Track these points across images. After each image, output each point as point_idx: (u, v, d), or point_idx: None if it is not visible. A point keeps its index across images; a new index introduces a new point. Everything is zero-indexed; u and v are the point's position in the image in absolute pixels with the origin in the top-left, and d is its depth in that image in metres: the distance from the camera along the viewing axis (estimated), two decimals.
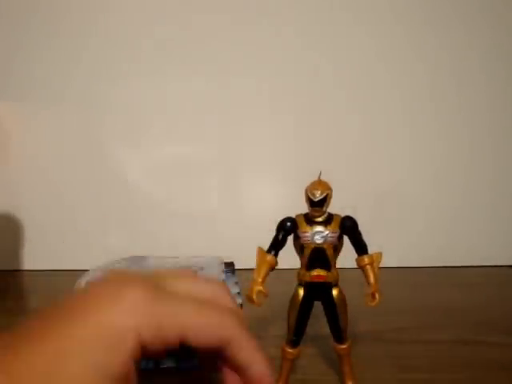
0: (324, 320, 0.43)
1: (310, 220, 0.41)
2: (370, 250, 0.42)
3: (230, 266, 0.69)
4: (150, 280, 0.24)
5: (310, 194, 0.41)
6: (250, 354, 0.24)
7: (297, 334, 0.43)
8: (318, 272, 0.42)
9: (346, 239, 0.42)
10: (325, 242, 0.41)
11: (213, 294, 0.26)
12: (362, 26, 0.82)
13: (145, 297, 0.22)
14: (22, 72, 0.81)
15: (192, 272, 0.29)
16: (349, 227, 0.41)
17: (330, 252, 0.41)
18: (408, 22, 0.82)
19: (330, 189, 0.41)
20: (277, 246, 0.42)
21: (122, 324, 0.21)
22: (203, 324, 0.23)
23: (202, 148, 0.84)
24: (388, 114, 0.84)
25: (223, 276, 0.61)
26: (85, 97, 0.82)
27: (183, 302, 0.24)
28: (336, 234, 0.41)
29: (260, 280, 0.41)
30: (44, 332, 0.21)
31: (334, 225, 0.41)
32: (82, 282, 0.56)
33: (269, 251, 0.42)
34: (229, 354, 0.24)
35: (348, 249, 0.42)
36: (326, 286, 0.42)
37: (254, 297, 0.40)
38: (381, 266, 0.41)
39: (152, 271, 0.26)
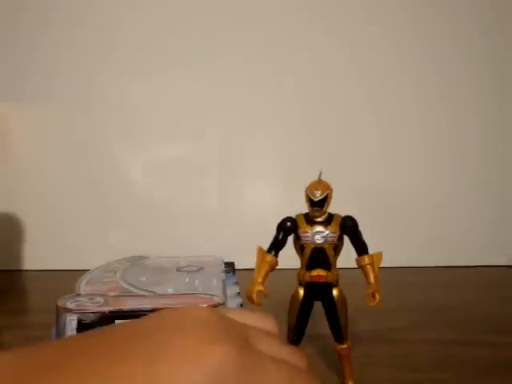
0: (324, 320, 0.43)
1: (310, 220, 0.41)
2: (370, 249, 0.42)
3: (229, 266, 0.69)
4: (239, 336, 0.20)
5: (310, 194, 0.41)
6: None
7: (297, 333, 0.43)
8: (318, 272, 0.41)
9: (346, 239, 0.42)
10: (325, 242, 0.41)
11: (290, 357, 0.23)
12: (361, 26, 0.82)
13: (235, 359, 0.18)
14: (22, 72, 0.81)
15: (275, 329, 0.24)
16: (349, 227, 0.41)
17: (330, 252, 0.41)
18: (408, 22, 0.83)
19: (330, 189, 0.41)
20: (277, 245, 0.42)
21: None
22: None
23: (202, 148, 0.84)
24: (387, 114, 0.84)
25: (223, 276, 0.61)
26: (85, 97, 0.82)
27: (274, 368, 0.20)
28: (336, 234, 0.41)
29: (260, 280, 0.41)
30: (106, 371, 0.17)
31: (335, 225, 0.41)
32: (82, 282, 0.56)
33: (269, 251, 0.42)
34: None
35: (348, 249, 0.42)
36: (327, 286, 0.42)
37: (254, 297, 0.40)
38: (380, 265, 0.41)
39: (234, 321, 0.22)
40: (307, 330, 0.43)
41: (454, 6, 0.83)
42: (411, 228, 0.85)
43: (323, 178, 0.41)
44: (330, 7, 0.82)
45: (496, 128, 0.85)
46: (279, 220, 0.42)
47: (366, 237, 0.42)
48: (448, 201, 0.85)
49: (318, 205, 0.40)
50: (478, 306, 0.66)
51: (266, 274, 0.41)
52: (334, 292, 0.42)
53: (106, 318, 0.40)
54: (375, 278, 0.41)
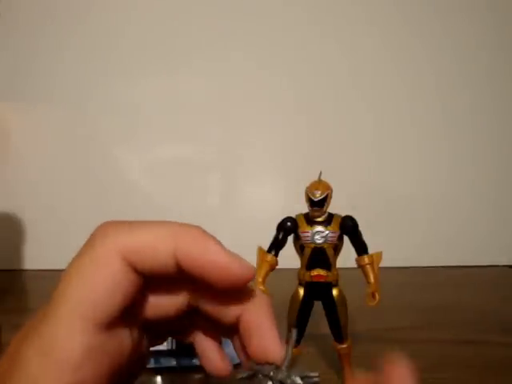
0: (324, 320, 0.43)
1: (310, 220, 0.42)
2: (369, 249, 0.42)
3: None
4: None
5: (310, 194, 0.41)
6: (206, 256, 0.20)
7: (297, 333, 0.43)
8: (318, 272, 0.42)
9: (346, 239, 0.42)
10: (325, 241, 0.41)
11: None
12: (366, 25, 0.82)
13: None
14: (22, 72, 0.81)
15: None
16: (349, 227, 0.41)
17: (330, 252, 0.41)
18: (414, 22, 0.83)
19: (330, 189, 0.41)
20: (277, 245, 0.42)
21: None
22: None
23: (202, 148, 0.84)
24: (388, 114, 0.84)
25: None
26: (85, 97, 0.83)
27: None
28: (336, 234, 0.41)
29: (260, 280, 0.41)
30: None
31: (334, 225, 0.41)
32: None
33: (269, 251, 0.42)
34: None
35: (348, 249, 0.42)
36: (326, 286, 0.42)
37: None
38: (380, 265, 0.41)
39: None
40: (307, 330, 0.43)
41: (450, 4, 0.83)
42: (409, 228, 0.85)
43: (323, 178, 0.42)
44: (330, 8, 0.82)
45: (494, 127, 0.85)
46: (279, 220, 0.42)
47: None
48: (446, 200, 0.85)
49: (317, 205, 0.40)
50: (477, 305, 0.66)
51: (266, 274, 0.41)
52: (334, 292, 0.42)
53: None
54: (375, 277, 0.41)
